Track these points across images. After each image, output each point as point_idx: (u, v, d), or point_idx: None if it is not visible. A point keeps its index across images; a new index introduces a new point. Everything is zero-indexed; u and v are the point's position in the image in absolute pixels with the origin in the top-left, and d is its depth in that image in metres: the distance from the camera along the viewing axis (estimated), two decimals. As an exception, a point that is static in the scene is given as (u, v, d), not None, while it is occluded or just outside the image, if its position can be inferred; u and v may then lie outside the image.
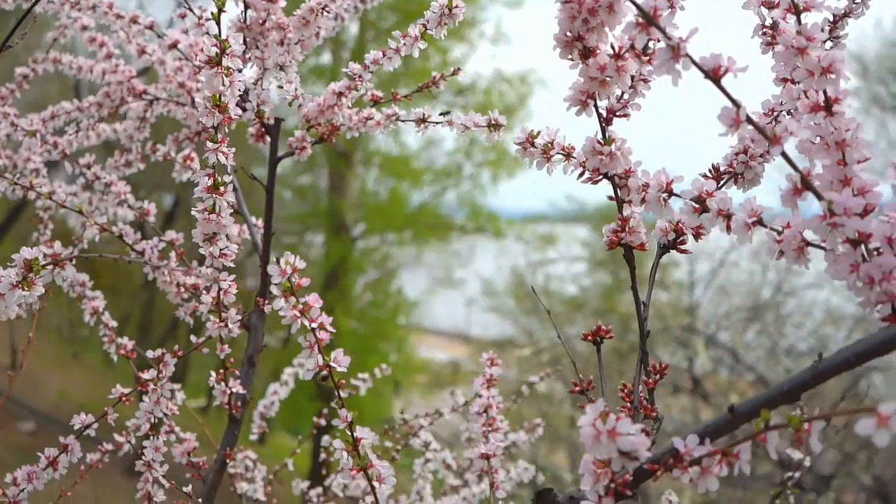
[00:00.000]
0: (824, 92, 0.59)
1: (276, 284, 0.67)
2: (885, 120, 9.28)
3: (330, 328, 0.69)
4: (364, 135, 1.06)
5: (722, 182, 0.76)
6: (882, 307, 0.56)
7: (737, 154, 0.75)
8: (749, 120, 0.55)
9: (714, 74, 0.56)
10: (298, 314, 0.68)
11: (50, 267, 0.73)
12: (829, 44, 0.78)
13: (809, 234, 0.61)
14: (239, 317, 0.99)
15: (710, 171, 0.76)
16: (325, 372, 0.70)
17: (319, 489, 1.46)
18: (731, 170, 0.76)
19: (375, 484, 0.71)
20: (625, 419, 0.55)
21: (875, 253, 0.57)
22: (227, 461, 1.07)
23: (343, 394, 0.73)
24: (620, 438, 0.55)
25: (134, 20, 1.17)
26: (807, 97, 0.61)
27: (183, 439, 1.09)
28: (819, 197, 0.56)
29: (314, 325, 0.68)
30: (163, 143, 1.35)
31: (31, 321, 1.25)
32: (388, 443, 1.41)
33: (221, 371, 1.05)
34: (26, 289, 0.74)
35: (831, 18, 0.79)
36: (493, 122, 0.93)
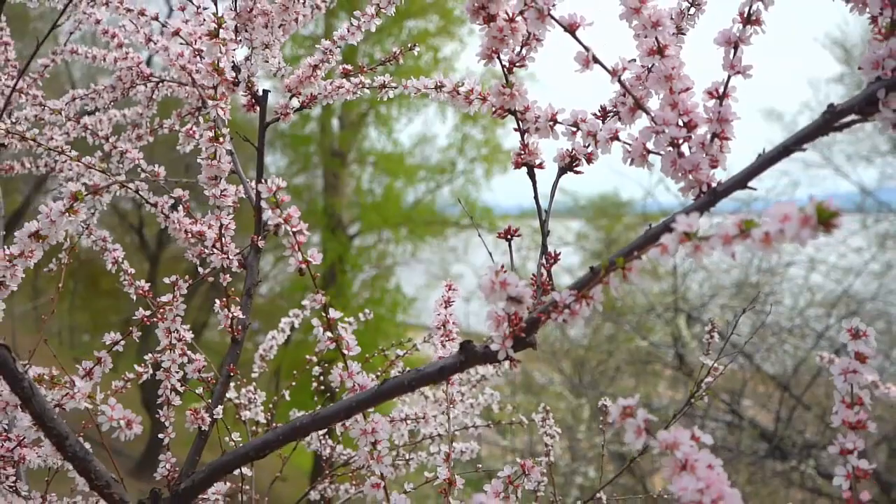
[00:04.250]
0: (657, 39, 0.81)
1: (264, 198, 0.89)
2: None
3: (306, 232, 0.91)
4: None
5: (608, 119, 0.98)
6: (693, 190, 0.78)
7: (619, 96, 0.98)
8: (595, 59, 0.78)
9: (571, 28, 0.78)
10: (282, 221, 0.90)
11: (90, 196, 0.95)
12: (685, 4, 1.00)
13: (651, 146, 0.84)
14: (237, 250, 1.21)
15: (598, 110, 0.99)
16: (303, 266, 0.92)
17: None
18: (614, 109, 0.98)
19: (345, 351, 0.93)
20: (513, 274, 0.77)
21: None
22: (231, 375, 1.29)
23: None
24: (509, 287, 0.77)
25: (142, 13, 1.39)
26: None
27: (194, 359, 1.31)
28: (647, 112, 0.79)
29: (295, 229, 0.90)
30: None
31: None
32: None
33: (224, 299, 1.27)
34: (72, 214, 0.96)
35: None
36: (438, 84, 1.15)
